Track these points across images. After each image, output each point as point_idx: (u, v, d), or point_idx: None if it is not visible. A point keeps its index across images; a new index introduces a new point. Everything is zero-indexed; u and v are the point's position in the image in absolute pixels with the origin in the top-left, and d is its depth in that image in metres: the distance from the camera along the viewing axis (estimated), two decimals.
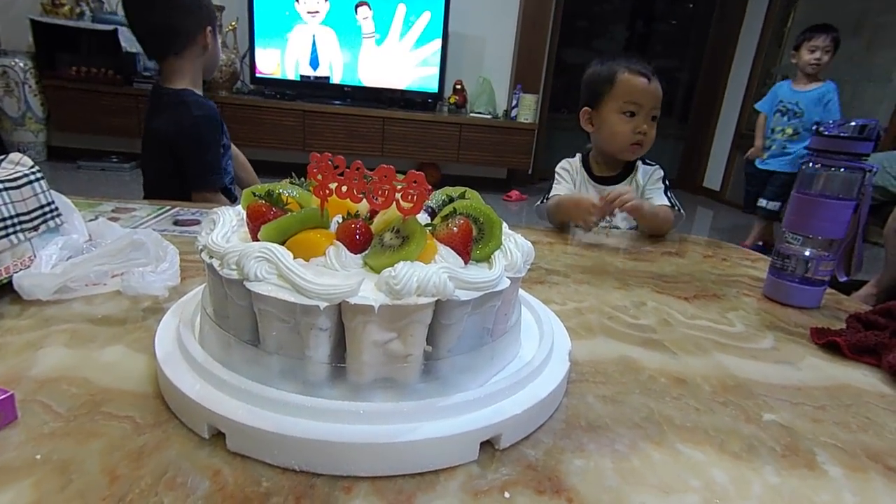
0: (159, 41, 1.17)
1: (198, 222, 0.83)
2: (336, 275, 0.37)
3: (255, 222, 0.41)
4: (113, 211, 0.83)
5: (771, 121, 2.92)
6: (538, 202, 1.18)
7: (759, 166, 2.99)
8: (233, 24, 3.58)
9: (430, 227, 0.42)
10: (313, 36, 3.78)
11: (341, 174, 0.40)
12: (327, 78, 3.86)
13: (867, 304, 2.06)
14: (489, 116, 3.94)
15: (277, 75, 3.82)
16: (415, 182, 0.40)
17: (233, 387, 0.34)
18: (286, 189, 0.47)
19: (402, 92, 3.94)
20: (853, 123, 0.67)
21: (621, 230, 1.13)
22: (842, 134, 0.67)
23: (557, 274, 0.80)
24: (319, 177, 0.40)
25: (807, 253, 0.73)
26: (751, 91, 4.18)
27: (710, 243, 1.08)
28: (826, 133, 0.69)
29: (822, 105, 2.72)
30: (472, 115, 3.98)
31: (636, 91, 1.07)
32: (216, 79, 3.52)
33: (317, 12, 3.74)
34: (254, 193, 0.43)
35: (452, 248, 0.41)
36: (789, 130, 2.81)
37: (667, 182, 1.15)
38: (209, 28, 1.19)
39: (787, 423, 0.45)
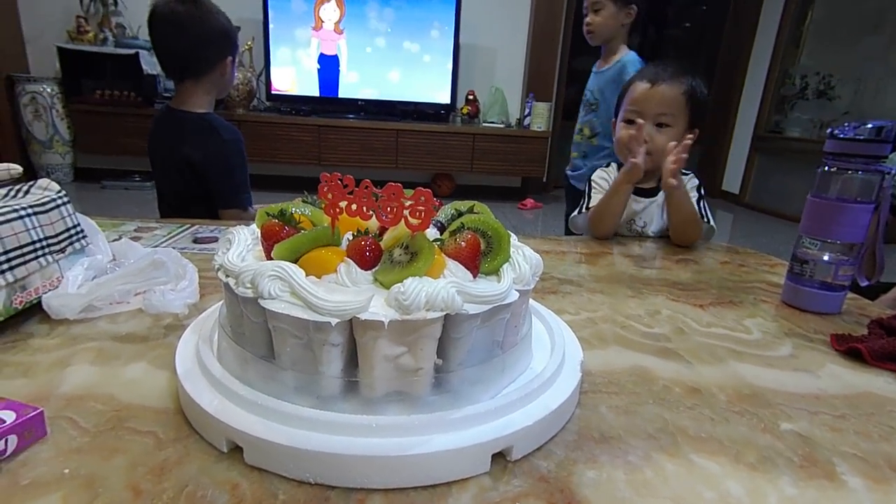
0: (182, 66, 1.22)
1: (216, 239, 0.85)
2: (347, 291, 0.38)
3: (269, 241, 0.42)
4: (135, 230, 0.85)
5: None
6: (574, 213, 1.17)
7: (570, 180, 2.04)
8: (249, 43, 3.67)
9: (438, 242, 0.43)
10: (327, 52, 3.85)
11: (351, 192, 0.42)
12: (339, 93, 3.92)
13: (878, 269, 2.01)
14: (502, 126, 3.95)
15: (293, 92, 3.89)
16: (422, 199, 0.41)
17: (249, 402, 0.35)
18: (299, 207, 0.48)
19: (415, 104, 3.98)
20: (869, 126, 0.67)
21: (653, 234, 1.12)
22: (858, 137, 0.67)
23: (571, 283, 0.80)
24: (330, 196, 0.41)
25: (826, 258, 0.72)
26: (768, 92, 4.13)
27: (728, 249, 1.07)
28: (841, 136, 0.68)
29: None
30: (485, 124, 4.00)
31: (637, 97, 1.07)
32: (233, 97, 3.61)
33: (331, 29, 3.81)
34: (267, 213, 0.45)
35: (461, 262, 0.42)
36: (587, 131, 1.92)
37: (702, 191, 1.11)
38: (230, 58, 1.23)
39: (806, 432, 0.45)
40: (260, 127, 3.68)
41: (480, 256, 0.43)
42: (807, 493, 0.37)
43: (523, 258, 0.45)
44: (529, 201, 3.92)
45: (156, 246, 0.79)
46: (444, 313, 0.37)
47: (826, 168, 0.71)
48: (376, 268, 0.41)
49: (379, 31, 3.84)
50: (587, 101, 1.90)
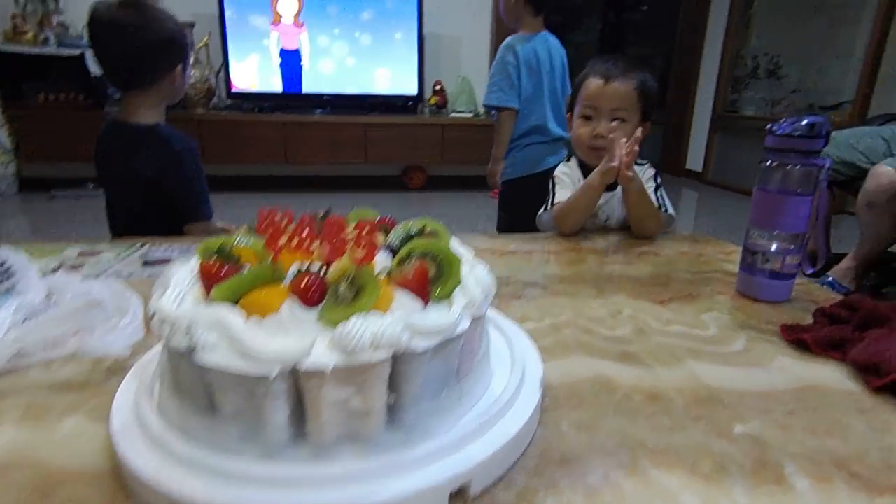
0: (125, 76, 1.16)
1: (168, 260, 0.82)
2: (290, 334, 0.37)
3: (208, 281, 0.40)
4: (78, 256, 0.81)
5: None
6: (540, 211, 1.17)
7: None
8: (205, 39, 3.55)
9: (386, 272, 0.42)
10: (288, 47, 3.75)
11: (291, 228, 0.40)
12: (303, 88, 3.83)
13: (847, 278, 2.07)
14: (471, 115, 3.94)
15: (255, 89, 3.79)
16: (365, 231, 0.39)
17: (191, 460, 0.34)
18: (242, 238, 0.46)
19: (383, 96, 3.92)
20: (804, 122, 0.69)
21: (615, 225, 1.13)
22: (794, 133, 0.68)
23: (535, 286, 0.80)
24: (269, 233, 0.40)
25: (773, 248, 0.74)
26: (723, 73, 4.22)
27: (687, 238, 1.09)
28: (778, 132, 0.70)
29: None
30: (453, 114, 3.98)
31: (591, 93, 1.07)
32: (191, 97, 3.49)
33: (291, 23, 3.71)
34: (206, 250, 0.43)
35: (410, 291, 0.41)
36: None
37: (658, 180, 1.13)
38: (180, 66, 1.18)
39: (757, 433, 0.46)
40: (222, 126, 3.59)
41: (430, 284, 0.42)
42: (758, 499, 0.38)
43: (475, 281, 0.45)
44: None
45: (101, 273, 0.76)
46: (392, 352, 0.36)
47: (768, 162, 0.73)
48: (322, 304, 0.40)
49: (341, 24, 3.76)
50: None
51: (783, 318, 0.69)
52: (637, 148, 0.99)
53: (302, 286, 0.39)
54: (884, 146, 1.91)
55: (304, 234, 0.39)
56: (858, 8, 3.24)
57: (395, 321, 0.37)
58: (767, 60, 3.96)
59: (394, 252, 0.48)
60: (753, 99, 4.09)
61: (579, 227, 1.08)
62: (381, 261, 0.46)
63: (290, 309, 0.38)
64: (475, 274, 0.45)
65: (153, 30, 1.13)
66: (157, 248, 0.88)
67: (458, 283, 0.44)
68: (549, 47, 1.81)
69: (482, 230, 3.07)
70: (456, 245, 0.53)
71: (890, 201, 1.70)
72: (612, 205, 1.13)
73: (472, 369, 0.45)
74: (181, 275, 0.43)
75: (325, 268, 0.42)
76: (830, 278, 2.00)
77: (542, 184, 1.18)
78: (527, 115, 1.80)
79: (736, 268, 0.86)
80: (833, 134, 0.73)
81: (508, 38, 1.78)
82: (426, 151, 3.87)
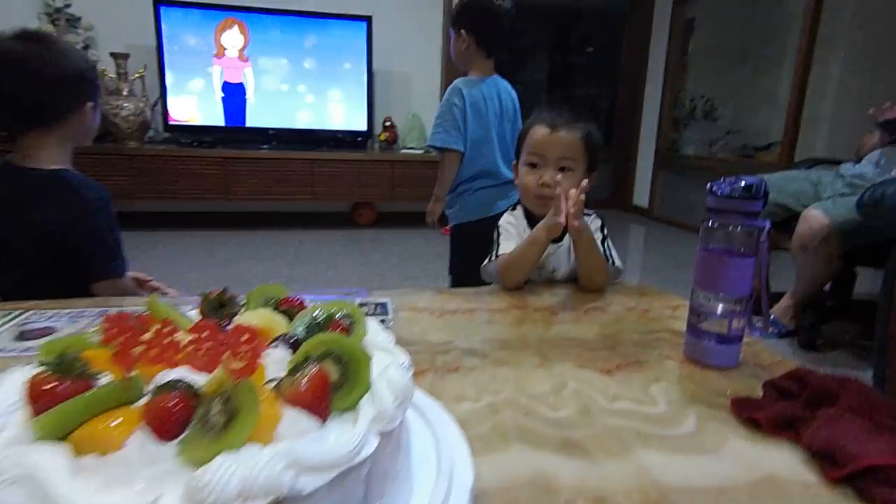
0: (25, 115, 1.04)
1: (51, 331, 0.71)
2: (134, 481, 0.28)
3: (35, 404, 0.31)
4: None
5: None
6: (485, 262, 1.12)
7: None
8: (140, 71, 3.40)
9: (275, 384, 0.35)
10: (232, 80, 3.65)
11: (149, 334, 0.32)
12: (247, 122, 3.73)
13: (786, 316, 2.12)
14: (421, 152, 3.93)
15: (194, 122, 3.65)
16: (245, 336, 0.32)
17: None
18: (96, 335, 0.37)
19: (331, 132, 3.86)
20: (742, 184, 0.67)
21: (562, 277, 1.09)
22: (733, 194, 0.66)
23: (474, 355, 0.73)
24: (119, 342, 0.31)
25: (718, 311, 0.71)
26: (664, 113, 4.42)
27: (633, 290, 1.06)
28: (719, 193, 0.68)
29: None
30: (403, 151, 3.96)
31: (537, 142, 1.05)
32: (123, 129, 3.31)
33: (235, 57, 3.62)
34: (43, 361, 0.34)
35: (303, 407, 0.33)
36: None
37: (605, 231, 1.10)
38: (90, 103, 1.07)
39: None
40: (157, 160, 3.41)
41: (330, 393, 0.35)
42: None
43: (388, 385, 0.37)
44: None
45: None
46: (272, 499, 0.28)
47: (709, 222, 0.71)
48: (183, 435, 0.31)
49: (288, 57, 3.70)
50: None
51: (733, 386, 0.65)
52: (583, 198, 0.96)
53: (158, 411, 0.31)
54: (812, 189, 2.00)
55: (165, 343, 0.31)
56: (780, 58, 3.48)
57: (275, 459, 0.29)
58: (703, 103, 4.19)
59: (295, 347, 0.40)
60: (693, 139, 4.30)
61: (524, 281, 1.03)
62: (277, 361, 0.39)
63: (141, 443, 0.30)
64: (388, 375, 0.38)
65: (58, 63, 1.03)
66: (41, 315, 0.76)
67: (366, 389, 0.37)
68: (498, 91, 1.79)
69: (432, 269, 3.01)
70: (374, 331, 0.46)
71: (822, 244, 1.76)
72: (559, 257, 1.09)
73: (384, 491, 0.38)
74: (8, 388, 0.34)
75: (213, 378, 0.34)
76: (773, 317, 2.05)
77: (493, 228, 1.14)
78: (475, 158, 1.76)
79: (682, 326, 0.83)
80: (765, 177, 0.72)
81: (456, 81, 1.76)
82: (376, 188, 3.81)
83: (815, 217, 1.77)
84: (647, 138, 4.65)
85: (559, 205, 0.95)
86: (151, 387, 0.33)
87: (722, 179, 0.67)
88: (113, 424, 0.30)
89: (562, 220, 0.94)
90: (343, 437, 0.33)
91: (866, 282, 2.25)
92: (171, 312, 0.40)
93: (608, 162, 5.08)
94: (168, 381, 0.33)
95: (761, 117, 3.74)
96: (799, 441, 0.51)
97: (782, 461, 0.51)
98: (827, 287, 2.06)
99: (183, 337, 0.32)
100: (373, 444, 0.34)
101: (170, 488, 0.28)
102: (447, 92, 1.75)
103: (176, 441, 0.31)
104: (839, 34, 3.12)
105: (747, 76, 3.83)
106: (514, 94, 1.86)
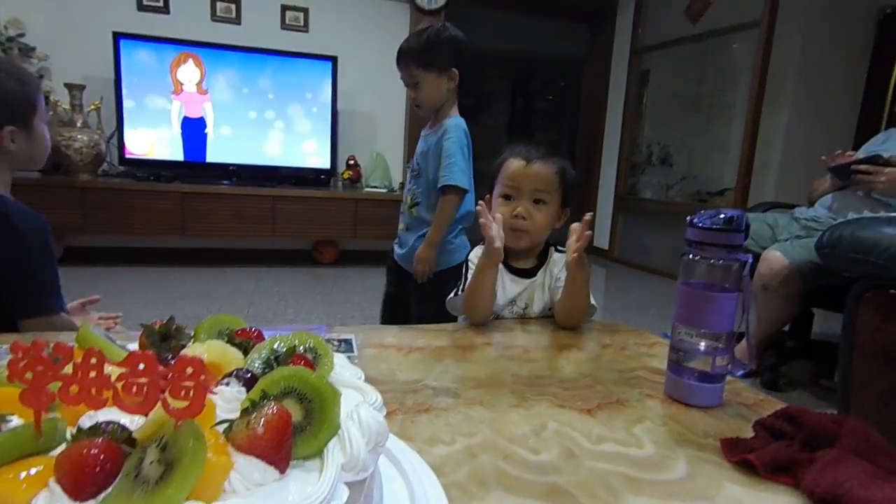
0: None
1: None
2: None
3: None
4: None
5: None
6: (451, 295, 1.07)
7: None
8: (96, 103, 3.29)
9: (226, 427, 0.29)
10: (192, 115, 3.58)
11: (69, 368, 0.26)
12: (207, 157, 3.64)
13: (747, 356, 2.14)
14: (385, 190, 3.91)
15: (151, 156, 3.53)
16: (189, 370, 0.27)
17: None
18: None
19: (293, 169, 3.80)
20: (722, 216, 0.66)
21: (536, 314, 1.06)
22: (714, 227, 0.65)
23: (447, 394, 0.68)
24: (29, 375, 0.26)
25: (701, 347, 0.68)
26: (622, 158, 4.59)
27: (606, 328, 1.04)
28: (700, 225, 0.67)
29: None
30: (367, 189, 3.93)
31: (512, 173, 1.04)
32: (75, 162, 3.17)
33: (194, 91, 3.56)
34: None
35: (258, 456, 0.28)
36: (409, 199, 1.71)
37: None
38: (9, 129, 1.00)
39: None
40: (111, 195, 3.25)
41: (291, 438, 0.30)
42: None
43: (358, 427, 0.32)
44: None
45: None
46: None
47: (690, 256, 0.69)
48: (107, 491, 0.25)
49: (250, 94, 3.67)
50: (411, 167, 1.75)
51: (720, 427, 0.63)
52: (589, 232, 0.95)
53: (75, 463, 0.25)
54: (769, 232, 2.07)
55: (87, 379, 0.26)
56: (731, 107, 3.70)
57: None
58: (660, 149, 4.37)
59: (250, 384, 0.35)
60: (650, 183, 4.46)
61: (489, 314, 1.00)
62: (228, 400, 0.33)
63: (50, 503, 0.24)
64: (360, 415, 0.33)
65: None
66: None
67: (335, 431, 0.32)
68: None
69: None
70: (341, 366, 0.41)
71: (782, 284, 1.81)
72: (532, 293, 1.06)
73: None
74: None
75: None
76: (734, 357, 2.07)
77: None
78: (469, 198, 1.70)
79: (660, 363, 0.81)
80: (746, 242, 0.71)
81: (457, 119, 1.65)
82: (338, 226, 3.74)
83: (775, 258, 1.82)
84: (606, 182, 4.80)
85: (489, 232, 0.94)
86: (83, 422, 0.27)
87: (702, 212, 0.66)
88: (20, 478, 0.24)
89: (498, 244, 0.94)
90: (307, 490, 0.28)
91: (823, 322, 2.32)
92: (104, 343, 0.34)
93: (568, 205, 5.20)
94: (92, 426, 0.27)
95: (714, 164, 3.93)
96: (798, 484, 0.48)
97: None
98: (786, 328, 2.11)
99: (113, 371, 0.27)
100: (342, 496, 0.29)
101: None
102: (455, 129, 1.59)
103: (97, 500, 0.25)
104: (786, 87, 3.36)
105: (701, 124, 4.04)
106: None
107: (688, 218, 0.67)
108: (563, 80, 5.51)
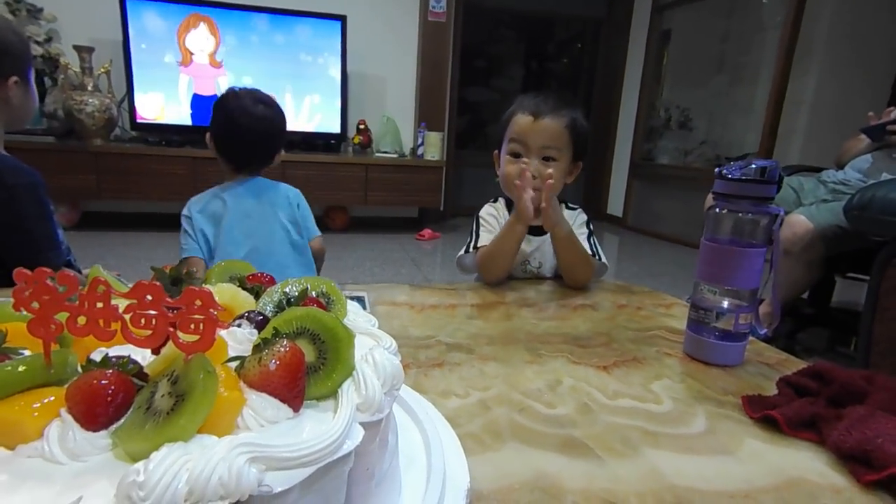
0: None
1: None
2: (51, 481, 0.22)
3: None
4: None
5: None
6: (460, 252, 1.06)
7: None
8: (105, 66, 3.25)
9: (237, 364, 0.28)
10: (203, 93, 3.53)
11: (74, 298, 0.25)
12: None
13: (764, 323, 2.13)
14: (395, 155, 3.86)
15: (162, 120, 3.51)
16: (198, 302, 0.26)
17: None
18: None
19: (304, 134, 3.76)
20: (753, 166, 0.63)
21: (549, 273, 1.05)
22: (744, 177, 0.62)
23: (460, 350, 0.68)
24: (35, 305, 0.25)
25: (725, 304, 0.66)
26: (639, 123, 4.47)
27: (621, 288, 1.02)
28: (729, 176, 0.63)
29: None
30: (378, 154, 3.89)
31: (520, 129, 0.99)
32: (88, 126, 3.16)
33: (205, 62, 3.50)
34: None
35: (271, 393, 0.27)
36: None
37: (591, 227, 1.07)
38: (13, 79, 0.98)
39: None
40: (123, 160, 3.26)
41: (304, 377, 0.29)
42: None
43: (373, 368, 0.32)
44: (427, 231, 3.84)
45: None
46: (230, 501, 0.22)
47: (717, 209, 0.66)
48: (119, 422, 0.25)
49: (261, 57, 3.60)
50: None
51: (741, 385, 0.61)
52: (552, 182, 0.92)
53: (87, 393, 0.24)
54: (793, 196, 2.01)
55: (97, 309, 0.25)
56: (757, 68, 3.56)
57: (234, 452, 0.23)
58: (678, 113, 4.24)
59: (262, 326, 0.34)
60: (667, 148, 4.35)
61: (506, 274, 0.98)
62: (240, 341, 0.32)
63: (62, 433, 0.23)
64: (374, 357, 0.32)
65: None
66: None
67: (349, 373, 0.31)
68: None
69: (406, 274, 2.94)
70: (355, 312, 0.40)
71: (804, 249, 1.76)
72: (544, 251, 1.04)
73: (370, 493, 0.32)
74: None
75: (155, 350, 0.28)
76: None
77: None
78: None
79: (678, 323, 0.79)
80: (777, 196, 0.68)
81: None
82: (349, 192, 3.72)
83: (799, 222, 1.77)
84: (622, 147, 4.69)
85: (519, 192, 0.92)
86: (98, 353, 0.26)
87: (731, 163, 0.63)
88: (28, 408, 0.24)
89: (527, 201, 0.92)
90: (322, 428, 0.27)
91: (843, 290, 2.28)
92: (114, 280, 0.33)
93: (582, 170, 5.11)
94: (103, 358, 0.26)
95: (736, 128, 3.81)
96: (823, 442, 0.47)
97: (807, 463, 0.47)
98: (804, 295, 2.07)
99: (120, 302, 0.26)
100: (357, 436, 0.28)
101: (97, 489, 0.22)
102: None
103: (109, 430, 0.24)
104: (816, 46, 3.20)
105: (723, 87, 3.90)
106: None
107: (716, 169, 0.64)
108: (579, 42, 5.33)
